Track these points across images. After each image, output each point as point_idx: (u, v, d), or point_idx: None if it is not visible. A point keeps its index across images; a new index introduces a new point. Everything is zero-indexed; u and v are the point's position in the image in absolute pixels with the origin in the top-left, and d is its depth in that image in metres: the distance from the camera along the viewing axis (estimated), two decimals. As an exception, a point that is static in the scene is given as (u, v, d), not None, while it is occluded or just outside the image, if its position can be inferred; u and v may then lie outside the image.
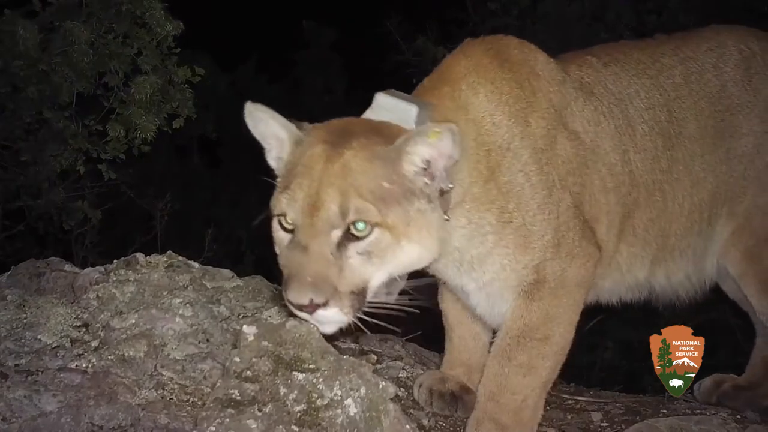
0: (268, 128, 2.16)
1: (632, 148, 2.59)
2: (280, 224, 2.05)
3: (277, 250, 2.08)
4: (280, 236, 2.06)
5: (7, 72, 4.85)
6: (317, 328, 2.04)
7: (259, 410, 1.88)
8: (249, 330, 2.06)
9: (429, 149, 2.02)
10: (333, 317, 1.96)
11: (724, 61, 2.79)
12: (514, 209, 2.27)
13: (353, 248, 1.97)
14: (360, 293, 1.99)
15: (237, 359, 2.00)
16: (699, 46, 2.82)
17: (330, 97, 10.59)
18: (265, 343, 2.04)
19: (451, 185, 2.10)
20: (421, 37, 7.22)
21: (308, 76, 10.73)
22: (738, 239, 2.78)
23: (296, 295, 1.91)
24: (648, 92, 2.68)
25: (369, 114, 2.22)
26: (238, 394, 1.91)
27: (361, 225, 1.96)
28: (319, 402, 1.93)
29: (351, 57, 9.97)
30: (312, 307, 1.92)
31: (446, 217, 2.11)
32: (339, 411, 1.92)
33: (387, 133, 2.10)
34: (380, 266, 2.01)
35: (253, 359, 1.99)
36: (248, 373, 1.97)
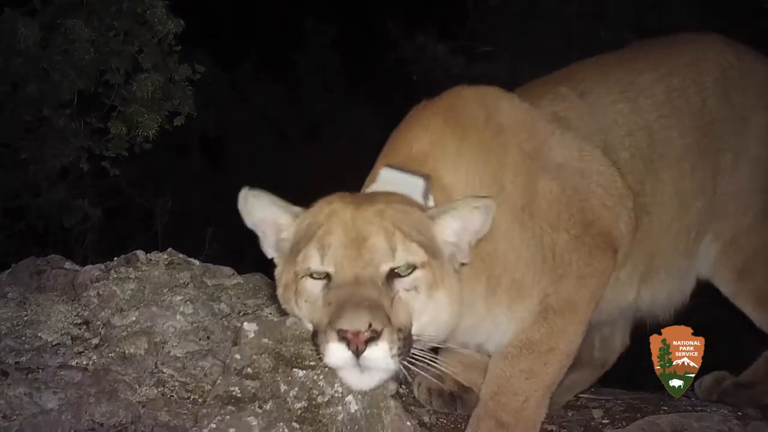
0: (266, 212, 2.08)
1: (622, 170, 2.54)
2: (311, 277, 1.93)
3: (309, 302, 1.95)
4: (311, 286, 1.93)
5: (8, 70, 4.84)
6: (357, 383, 1.87)
7: (260, 407, 1.88)
8: (249, 327, 2.06)
9: (461, 222, 2.01)
10: (381, 359, 1.79)
11: (705, 75, 2.75)
12: (502, 273, 2.23)
13: (399, 284, 1.89)
14: (407, 336, 1.86)
15: (237, 356, 2.00)
16: (679, 59, 2.77)
17: (330, 96, 10.57)
18: (265, 340, 2.04)
19: (466, 261, 2.06)
20: (421, 35, 7.21)
21: (308, 74, 10.71)
22: (726, 258, 2.79)
23: (353, 320, 1.76)
24: (627, 118, 2.61)
25: (375, 188, 2.16)
26: (238, 392, 1.91)
27: (406, 263, 1.89)
28: (319, 399, 1.93)
29: (351, 55, 9.96)
30: (366, 338, 1.75)
31: None
32: (340, 408, 1.92)
33: (406, 200, 2.05)
34: (424, 307, 1.91)
35: (254, 356, 1.99)
36: (249, 370, 1.97)
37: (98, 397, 2.04)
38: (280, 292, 2.07)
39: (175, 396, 2.13)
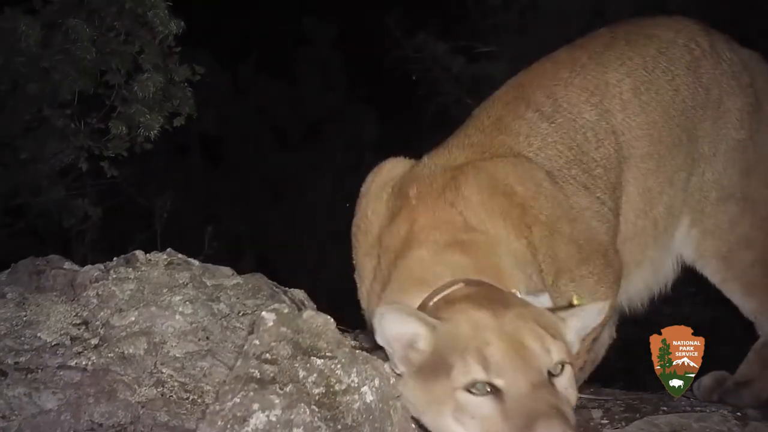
0: (403, 327, 2.00)
1: (600, 189, 2.54)
2: (469, 392, 1.85)
3: (478, 419, 1.82)
4: (477, 401, 1.83)
5: (8, 69, 4.84)
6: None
7: (281, 389, 1.86)
8: (268, 316, 2.03)
9: (582, 322, 2.03)
10: None
11: (675, 63, 2.71)
12: None
13: (558, 383, 1.87)
14: None
15: (256, 342, 1.96)
16: (647, 48, 2.71)
17: (330, 95, 10.58)
18: (283, 329, 2.01)
19: (574, 353, 2.07)
20: (422, 34, 7.21)
21: (309, 73, 10.72)
22: (710, 247, 2.78)
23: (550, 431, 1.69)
24: (594, 128, 2.56)
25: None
26: (258, 374, 1.89)
27: (560, 361, 1.89)
28: (337, 387, 1.91)
29: (351, 53, 9.96)
30: None
31: None
32: (356, 397, 1.90)
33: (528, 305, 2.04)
34: (575, 401, 1.91)
35: (272, 343, 1.96)
36: (267, 355, 1.94)
37: (97, 397, 2.04)
38: (421, 407, 1.97)
39: (174, 396, 2.13)
